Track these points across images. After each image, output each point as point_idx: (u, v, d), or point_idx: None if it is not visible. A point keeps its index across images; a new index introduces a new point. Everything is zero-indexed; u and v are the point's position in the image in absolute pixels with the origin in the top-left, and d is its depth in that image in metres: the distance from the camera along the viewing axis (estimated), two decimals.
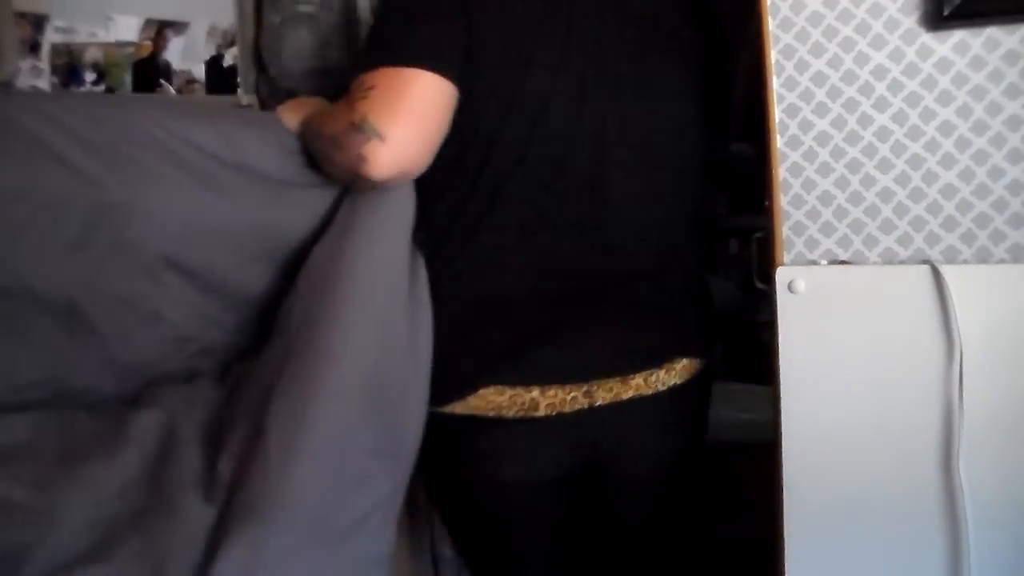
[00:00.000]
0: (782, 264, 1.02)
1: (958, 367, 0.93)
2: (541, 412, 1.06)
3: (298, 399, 0.91)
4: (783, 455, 1.03)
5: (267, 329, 1.05)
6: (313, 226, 1.06)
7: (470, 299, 1.07)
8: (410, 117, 0.93)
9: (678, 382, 1.15)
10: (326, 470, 0.90)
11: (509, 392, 1.06)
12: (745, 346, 1.94)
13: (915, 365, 0.96)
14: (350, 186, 1.03)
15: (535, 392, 1.06)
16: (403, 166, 0.94)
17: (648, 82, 1.10)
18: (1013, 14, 0.89)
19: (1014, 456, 0.93)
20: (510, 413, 1.06)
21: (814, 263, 1.01)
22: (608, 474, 1.17)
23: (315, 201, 1.06)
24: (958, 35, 0.91)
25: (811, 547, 1.03)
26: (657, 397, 1.13)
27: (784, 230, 1.02)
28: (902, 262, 0.97)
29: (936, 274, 0.94)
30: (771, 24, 0.99)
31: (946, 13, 0.90)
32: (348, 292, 0.95)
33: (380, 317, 0.97)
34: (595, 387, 1.08)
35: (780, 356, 1.02)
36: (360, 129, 0.91)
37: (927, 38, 0.93)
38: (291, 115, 1.09)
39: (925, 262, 0.96)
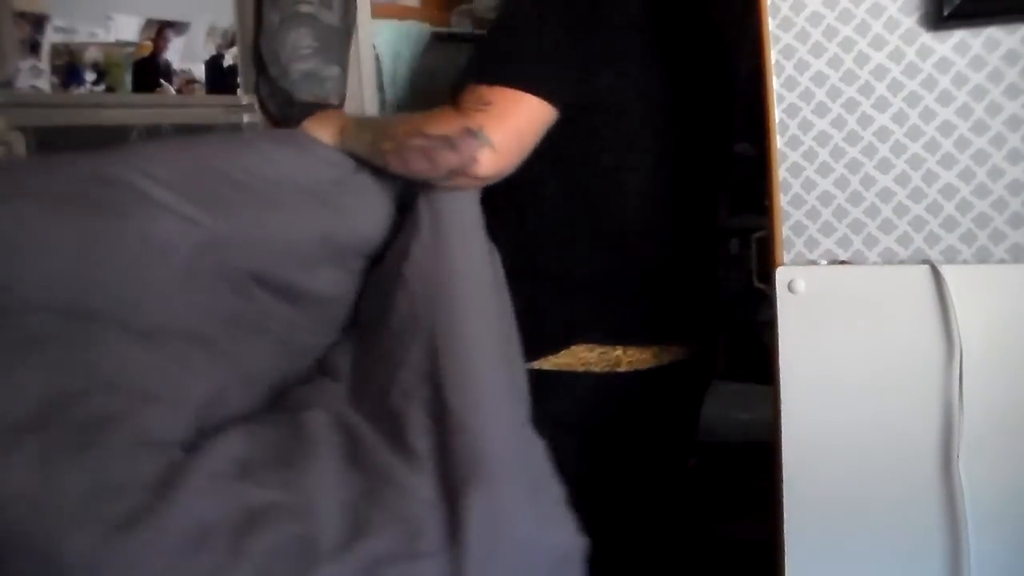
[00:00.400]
0: (782, 264, 1.02)
1: (958, 367, 0.93)
2: (623, 368, 1.24)
3: (470, 381, 1.04)
4: (783, 455, 1.03)
5: (340, 325, 1.21)
6: (369, 229, 1.18)
7: (563, 273, 1.24)
8: (517, 134, 1.09)
9: (712, 350, 1.41)
10: (513, 435, 1.05)
11: (599, 349, 1.22)
12: (745, 346, 1.94)
13: (915, 365, 0.96)
14: (422, 187, 1.14)
15: (619, 351, 1.23)
16: (501, 172, 1.09)
17: (686, 104, 1.28)
18: (1013, 14, 0.89)
19: (1014, 456, 0.93)
20: (598, 368, 1.23)
21: (814, 263, 1.01)
22: (654, 425, 1.34)
23: (364, 207, 1.18)
24: (958, 35, 0.91)
25: (811, 547, 1.03)
26: (701, 361, 1.36)
27: (784, 230, 1.02)
28: (902, 262, 0.97)
29: (936, 274, 0.94)
30: (771, 24, 0.99)
31: (946, 13, 0.90)
32: (466, 286, 1.10)
33: (494, 301, 1.12)
34: (662, 349, 1.27)
35: (780, 356, 1.02)
36: (476, 136, 1.06)
37: (927, 38, 0.93)
38: (324, 129, 1.20)
39: (925, 262, 0.96)
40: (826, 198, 1.00)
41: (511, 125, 1.08)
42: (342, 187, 1.16)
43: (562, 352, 1.22)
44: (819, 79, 0.98)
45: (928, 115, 0.94)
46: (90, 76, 1.23)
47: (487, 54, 1.16)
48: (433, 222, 1.12)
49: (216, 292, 1.07)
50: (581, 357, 1.23)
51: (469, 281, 1.10)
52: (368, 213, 1.18)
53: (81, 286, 0.96)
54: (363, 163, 1.18)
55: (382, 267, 1.18)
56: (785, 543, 1.04)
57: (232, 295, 1.08)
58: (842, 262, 1.00)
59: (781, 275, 1.01)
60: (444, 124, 1.08)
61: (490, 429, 1.03)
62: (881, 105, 0.96)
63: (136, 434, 0.93)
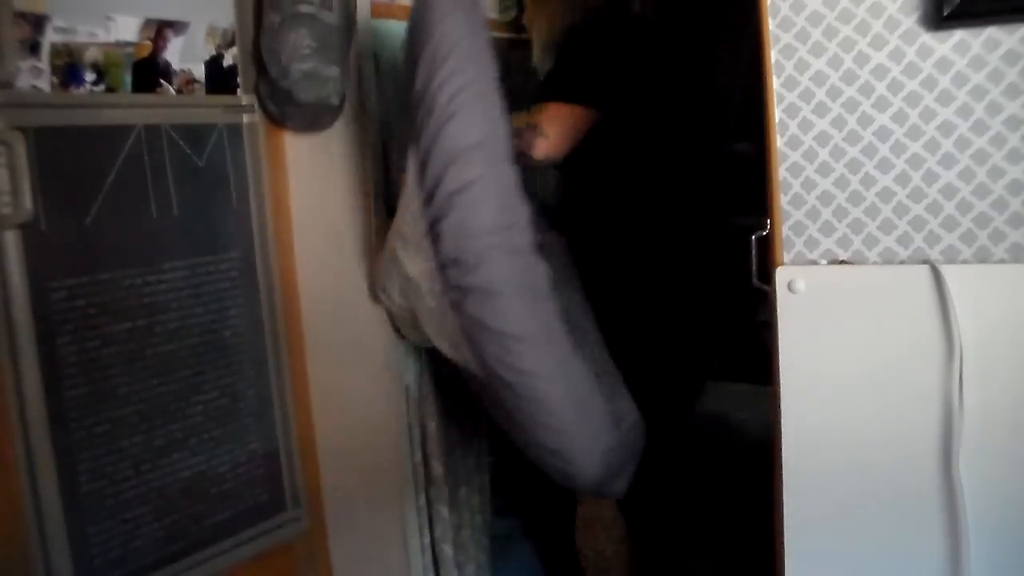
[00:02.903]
0: (782, 264, 1.02)
1: (958, 367, 0.93)
2: None
3: None
4: (783, 455, 1.03)
5: None
6: None
7: None
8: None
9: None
10: None
11: None
12: (745, 346, 1.94)
13: (915, 365, 0.96)
14: None
15: None
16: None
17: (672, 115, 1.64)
18: (1013, 14, 0.89)
19: (1014, 456, 0.93)
20: None
21: (814, 263, 1.01)
22: None
23: None
24: (958, 35, 0.91)
25: (811, 547, 1.03)
26: None
27: (784, 230, 1.02)
28: (902, 262, 0.97)
29: (936, 274, 0.94)
30: (771, 24, 0.99)
31: (946, 13, 0.90)
32: None
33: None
34: None
35: (780, 356, 1.02)
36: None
37: (927, 38, 0.93)
38: None
39: (925, 262, 0.96)
40: (826, 198, 1.00)
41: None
42: None
43: None
44: (819, 79, 0.98)
45: (928, 115, 0.94)
46: (90, 76, 1.23)
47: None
48: None
49: None
50: None
51: None
52: None
53: None
54: None
55: None
56: (785, 543, 1.04)
57: None
58: (842, 262, 1.00)
59: (781, 275, 1.01)
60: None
61: None
62: (881, 105, 0.96)
63: None
